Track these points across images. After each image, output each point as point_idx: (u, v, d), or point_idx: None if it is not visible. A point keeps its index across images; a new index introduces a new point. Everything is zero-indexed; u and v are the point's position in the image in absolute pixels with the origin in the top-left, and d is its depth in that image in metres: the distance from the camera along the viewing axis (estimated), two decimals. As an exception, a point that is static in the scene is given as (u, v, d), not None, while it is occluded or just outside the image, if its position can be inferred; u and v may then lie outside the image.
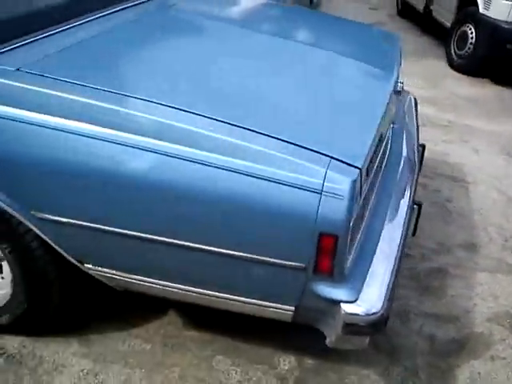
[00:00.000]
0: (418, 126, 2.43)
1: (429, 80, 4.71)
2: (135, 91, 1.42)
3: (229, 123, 1.35)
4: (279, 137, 1.34)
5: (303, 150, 1.32)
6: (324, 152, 1.32)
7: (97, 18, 1.86)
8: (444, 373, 1.83)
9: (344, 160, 1.32)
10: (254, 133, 1.34)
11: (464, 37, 4.86)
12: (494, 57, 4.59)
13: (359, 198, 1.36)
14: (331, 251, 1.32)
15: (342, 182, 1.28)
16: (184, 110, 1.37)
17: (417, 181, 2.04)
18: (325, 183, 1.28)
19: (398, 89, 1.89)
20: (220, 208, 1.33)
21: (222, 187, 1.32)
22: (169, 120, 1.35)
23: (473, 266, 2.34)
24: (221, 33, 2.04)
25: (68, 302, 1.78)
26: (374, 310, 1.37)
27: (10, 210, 1.48)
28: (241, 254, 1.37)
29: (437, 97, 4.32)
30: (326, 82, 1.75)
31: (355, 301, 1.38)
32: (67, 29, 1.72)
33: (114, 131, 1.35)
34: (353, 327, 1.38)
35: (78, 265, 1.58)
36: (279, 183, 1.30)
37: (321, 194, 1.28)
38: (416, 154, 2.10)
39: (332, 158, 1.32)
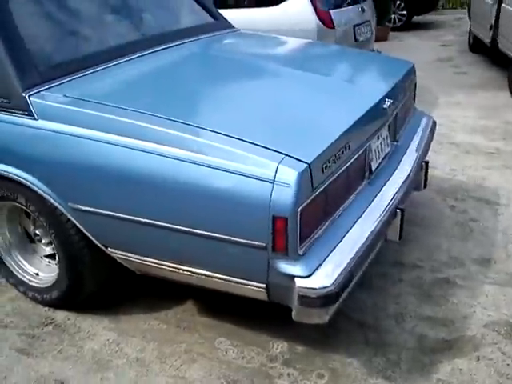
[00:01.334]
0: (427, 145, 2.61)
1: (485, 110, 4.73)
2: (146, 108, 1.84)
3: (206, 129, 1.71)
4: (246, 139, 1.68)
5: (264, 148, 1.65)
6: (279, 150, 1.63)
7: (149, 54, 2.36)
8: (425, 366, 1.94)
9: (295, 156, 1.61)
10: (226, 136, 1.69)
11: (526, 68, 4.84)
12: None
13: (311, 189, 1.62)
14: (284, 231, 1.59)
15: (289, 174, 1.57)
16: (161, 116, 1.76)
17: (410, 189, 2.24)
18: (276, 174, 1.58)
19: (384, 106, 2.12)
20: (195, 196, 1.68)
21: (197, 179, 1.67)
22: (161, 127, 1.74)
23: (482, 278, 2.40)
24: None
25: (101, 282, 2.20)
26: (324, 285, 1.61)
27: (53, 201, 1.94)
28: (214, 234, 1.69)
29: (489, 126, 4.34)
30: (307, 98, 2.08)
31: (309, 276, 1.62)
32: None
33: (126, 138, 1.77)
34: (306, 299, 1.62)
35: (103, 248, 1.99)
36: (243, 175, 1.62)
37: (273, 183, 1.58)
38: (413, 169, 2.28)
39: (286, 154, 1.62)
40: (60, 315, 2.22)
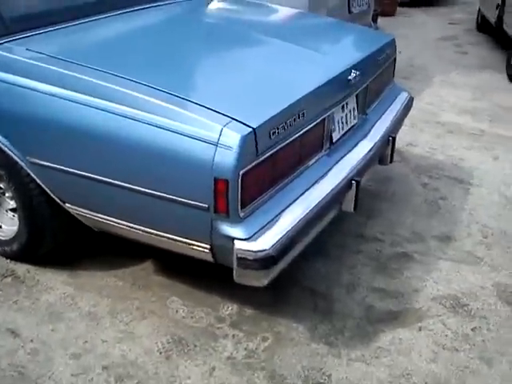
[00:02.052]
0: (398, 121, 2.60)
1: (478, 91, 4.70)
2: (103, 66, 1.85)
3: (157, 88, 1.72)
4: (195, 100, 1.69)
5: (211, 111, 1.66)
6: (226, 113, 1.64)
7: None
8: (368, 334, 1.99)
9: (241, 120, 1.62)
10: (175, 96, 1.70)
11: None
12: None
13: (255, 154, 1.64)
14: (225, 194, 1.62)
15: (233, 137, 1.59)
16: (119, 76, 1.77)
17: (372, 163, 2.26)
18: (220, 137, 1.59)
19: (349, 78, 2.11)
20: (143, 155, 1.70)
21: (145, 138, 1.69)
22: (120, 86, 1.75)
23: (440, 255, 2.43)
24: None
25: (60, 238, 2.24)
26: (261, 248, 1.64)
27: (13, 155, 1.97)
28: (160, 193, 1.72)
29: (478, 107, 4.31)
30: (269, 64, 2.09)
31: (248, 239, 1.65)
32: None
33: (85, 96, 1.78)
34: (244, 261, 1.65)
35: (61, 204, 2.02)
36: (189, 137, 1.63)
37: (216, 145, 1.60)
38: (376, 143, 2.29)
39: (232, 118, 1.63)
40: (21, 268, 2.28)
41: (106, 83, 1.77)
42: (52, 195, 2.01)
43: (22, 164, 1.98)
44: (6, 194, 2.29)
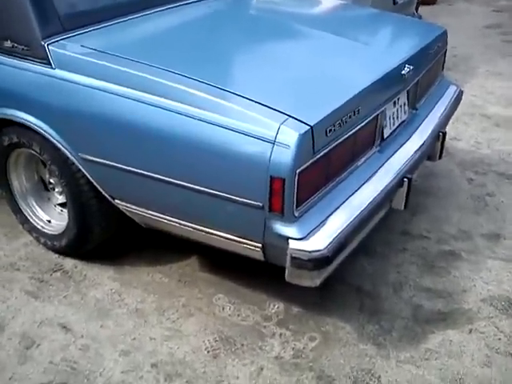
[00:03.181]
0: (448, 116, 2.54)
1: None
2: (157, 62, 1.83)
3: (214, 86, 1.70)
4: (251, 97, 1.66)
5: (268, 108, 1.63)
6: (283, 111, 1.62)
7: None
8: (416, 335, 1.95)
9: (298, 118, 1.60)
10: (232, 93, 1.68)
11: None
12: None
13: (312, 153, 1.61)
14: (280, 193, 1.60)
15: (290, 135, 1.56)
16: (173, 72, 1.75)
17: (422, 159, 2.21)
18: (277, 135, 1.57)
19: (403, 73, 2.06)
20: (197, 152, 1.69)
21: (201, 135, 1.67)
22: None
23: (489, 253, 2.37)
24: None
25: (108, 233, 2.26)
26: (316, 248, 1.62)
27: (65, 150, 1.99)
28: (213, 191, 1.71)
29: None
30: (323, 59, 2.04)
31: (302, 239, 1.63)
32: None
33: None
34: (298, 261, 1.63)
35: (111, 200, 2.03)
36: (245, 134, 1.61)
37: (274, 143, 1.57)
38: (427, 139, 2.24)
39: (289, 115, 1.60)
40: (68, 263, 2.30)
41: (160, 79, 1.75)
42: (102, 191, 2.02)
43: (74, 160, 1.99)
44: (56, 189, 2.32)
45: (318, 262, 1.62)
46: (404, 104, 2.23)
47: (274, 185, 1.59)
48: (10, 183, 2.36)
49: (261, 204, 1.64)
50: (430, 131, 2.29)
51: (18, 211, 2.40)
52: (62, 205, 2.33)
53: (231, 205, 1.70)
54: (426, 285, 2.19)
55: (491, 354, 1.87)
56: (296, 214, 1.64)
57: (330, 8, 2.98)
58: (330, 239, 1.64)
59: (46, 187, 2.40)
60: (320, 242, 1.63)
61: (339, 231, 1.68)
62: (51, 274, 2.24)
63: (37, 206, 2.40)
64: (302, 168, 1.59)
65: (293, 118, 1.60)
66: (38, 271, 2.26)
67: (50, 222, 2.37)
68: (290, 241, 1.63)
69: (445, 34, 2.61)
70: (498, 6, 7.76)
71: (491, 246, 2.42)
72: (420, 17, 4.96)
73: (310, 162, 1.62)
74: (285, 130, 1.57)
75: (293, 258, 1.63)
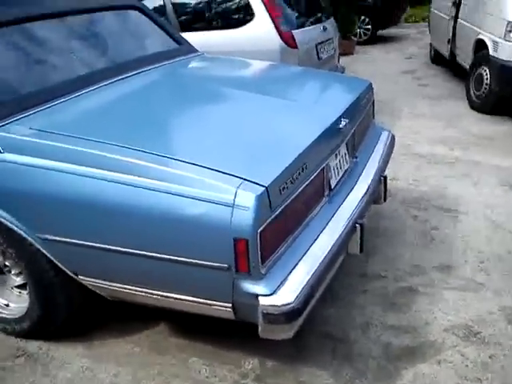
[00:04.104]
0: (386, 160, 2.72)
1: (445, 120, 4.95)
2: (105, 137, 1.90)
3: (167, 157, 1.78)
4: (206, 165, 1.74)
5: (223, 174, 1.72)
6: (237, 174, 1.70)
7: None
8: (390, 373, 2.02)
9: (252, 180, 1.69)
10: (185, 163, 1.75)
11: (480, 78, 5.14)
12: (507, 95, 4.79)
13: (270, 211, 1.70)
14: (245, 253, 1.66)
15: (248, 198, 1.64)
16: (127, 147, 1.82)
17: (369, 203, 2.35)
18: (236, 198, 1.65)
19: (340, 126, 2.22)
20: (158, 222, 1.74)
21: (159, 206, 1.73)
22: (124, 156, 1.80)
23: (443, 285, 2.51)
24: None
25: (73, 310, 2.22)
26: (286, 302, 1.68)
27: (22, 233, 1.98)
28: (178, 258, 1.75)
29: (449, 135, 4.54)
30: (265, 120, 2.17)
31: (272, 294, 1.69)
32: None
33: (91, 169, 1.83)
34: (270, 316, 1.68)
35: (74, 276, 2.02)
36: (204, 201, 1.68)
37: (233, 207, 1.65)
38: (371, 184, 2.39)
39: (244, 179, 1.69)
40: (32, 345, 2.23)
41: (111, 155, 1.81)
42: (64, 268, 2.01)
43: (32, 241, 1.99)
44: (13, 271, 2.27)
45: (289, 314, 1.68)
46: (345, 154, 2.38)
47: (239, 246, 1.66)
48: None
49: (227, 265, 1.70)
50: (372, 176, 2.45)
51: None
52: (20, 286, 2.28)
53: (197, 269, 1.75)
54: (391, 322, 2.28)
55: (462, 382, 1.96)
56: (262, 271, 1.71)
57: (264, 70, 3.18)
58: (298, 291, 1.71)
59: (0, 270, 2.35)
60: (289, 295, 1.69)
61: (305, 282, 1.75)
62: (14, 361, 2.16)
63: (-8, 291, 2.34)
64: (262, 227, 1.67)
65: (247, 180, 1.69)
66: None
67: (7, 305, 2.31)
68: (259, 298, 1.69)
69: (370, 86, 2.84)
70: (409, 53, 8.53)
71: (444, 277, 2.57)
72: (343, 68, 5.33)
73: (269, 220, 1.71)
74: (241, 193, 1.65)
75: (264, 314, 1.68)
